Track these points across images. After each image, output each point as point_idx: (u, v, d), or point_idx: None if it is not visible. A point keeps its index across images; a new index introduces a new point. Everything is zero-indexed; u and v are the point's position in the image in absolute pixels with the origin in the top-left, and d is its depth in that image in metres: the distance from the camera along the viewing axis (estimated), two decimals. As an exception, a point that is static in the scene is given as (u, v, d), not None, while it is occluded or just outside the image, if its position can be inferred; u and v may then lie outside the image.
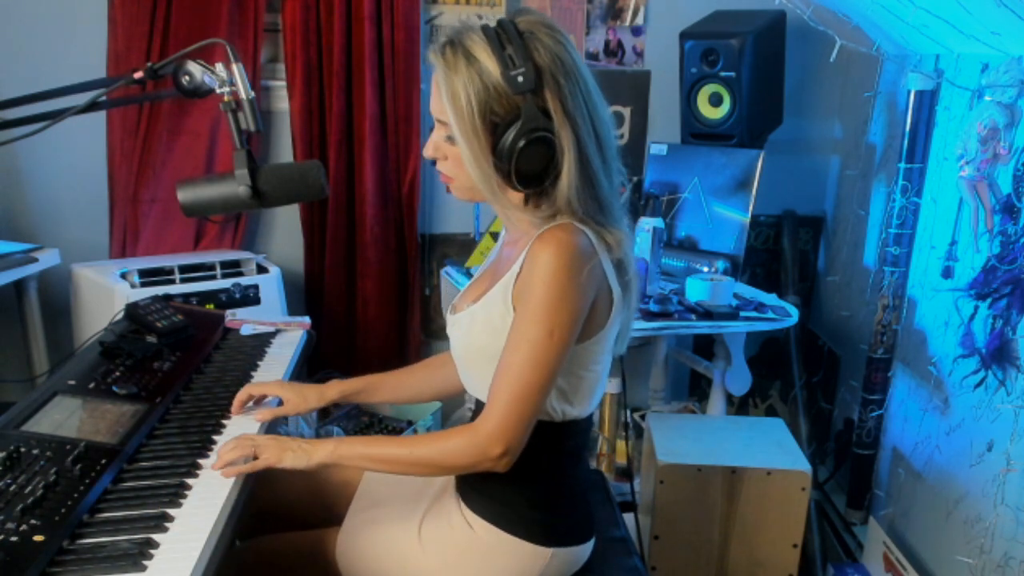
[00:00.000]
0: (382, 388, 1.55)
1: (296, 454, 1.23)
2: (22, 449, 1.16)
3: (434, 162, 1.25)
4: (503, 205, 1.23)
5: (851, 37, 2.09)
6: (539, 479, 1.28)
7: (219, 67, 1.30)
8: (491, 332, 1.22)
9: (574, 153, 1.15)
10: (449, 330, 1.35)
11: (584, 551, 1.36)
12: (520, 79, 1.12)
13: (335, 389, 1.51)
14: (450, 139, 1.20)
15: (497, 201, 1.22)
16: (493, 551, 1.28)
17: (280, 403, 1.48)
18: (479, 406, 1.27)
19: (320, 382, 1.53)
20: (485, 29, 1.15)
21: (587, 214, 1.19)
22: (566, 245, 1.14)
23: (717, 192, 2.41)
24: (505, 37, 1.13)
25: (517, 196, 1.22)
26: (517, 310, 1.18)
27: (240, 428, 1.38)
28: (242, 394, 1.45)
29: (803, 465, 1.91)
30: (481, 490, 1.29)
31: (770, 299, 2.22)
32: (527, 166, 1.15)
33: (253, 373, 1.61)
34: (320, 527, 1.43)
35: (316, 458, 1.23)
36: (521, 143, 1.13)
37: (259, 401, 1.49)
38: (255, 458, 1.23)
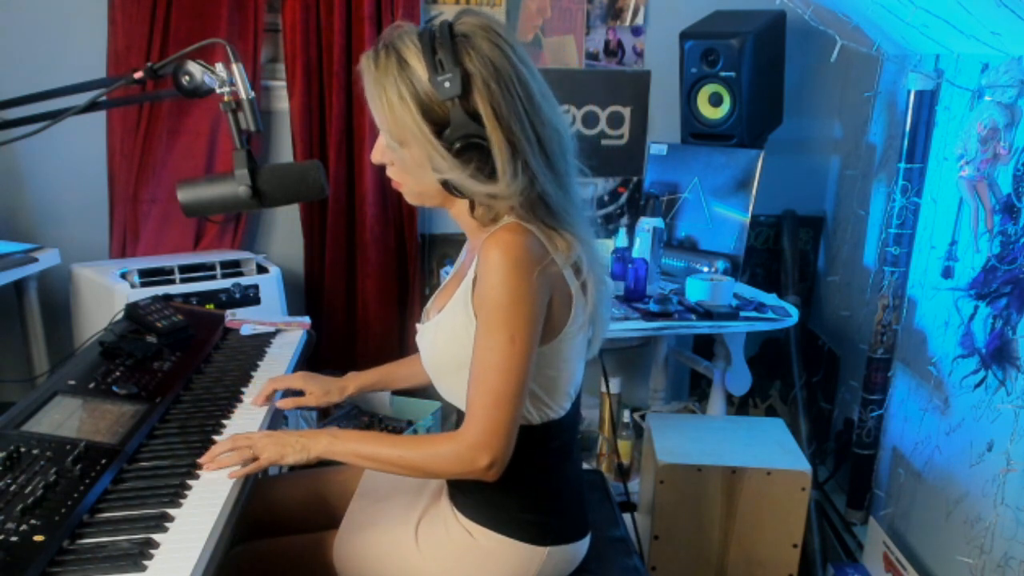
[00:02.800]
0: (396, 377, 1.60)
1: (295, 449, 1.24)
2: (22, 449, 1.16)
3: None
4: (456, 209, 1.24)
5: (851, 37, 2.09)
6: (529, 481, 1.28)
7: (219, 67, 1.31)
8: (455, 341, 1.22)
9: (508, 158, 1.13)
10: (418, 340, 1.34)
11: (580, 548, 1.36)
12: (447, 84, 1.09)
13: (354, 384, 1.56)
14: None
15: (450, 204, 1.23)
16: (489, 553, 1.28)
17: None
18: (461, 414, 1.26)
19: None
20: (420, 33, 1.13)
21: (535, 216, 1.18)
22: (513, 246, 1.13)
23: (717, 192, 2.41)
24: (439, 41, 1.11)
25: (463, 201, 1.21)
26: (478, 318, 1.17)
27: (243, 427, 1.38)
28: (267, 388, 1.47)
29: (803, 465, 1.91)
30: (472, 496, 1.30)
31: (770, 299, 2.22)
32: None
33: (253, 373, 1.61)
34: (318, 531, 1.43)
35: (315, 452, 1.24)
36: (456, 147, 1.12)
37: (270, 397, 1.49)
38: (255, 458, 1.23)
